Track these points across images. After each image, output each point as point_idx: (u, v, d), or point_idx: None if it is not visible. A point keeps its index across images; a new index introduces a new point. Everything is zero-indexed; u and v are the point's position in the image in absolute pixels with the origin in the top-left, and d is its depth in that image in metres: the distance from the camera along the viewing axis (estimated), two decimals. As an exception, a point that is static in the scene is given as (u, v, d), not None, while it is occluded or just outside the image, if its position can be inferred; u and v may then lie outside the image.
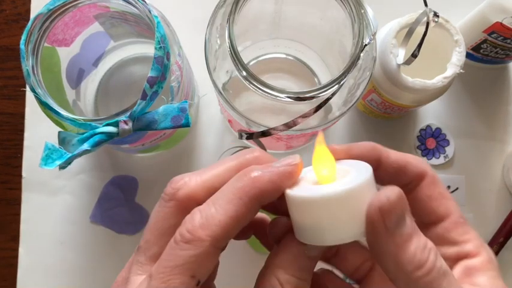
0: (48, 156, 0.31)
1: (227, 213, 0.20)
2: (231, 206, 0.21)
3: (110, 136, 0.31)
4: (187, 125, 0.32)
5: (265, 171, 0.21)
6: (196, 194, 0.22)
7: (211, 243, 0.20)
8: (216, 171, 0.23)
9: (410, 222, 0.20)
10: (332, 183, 0.21)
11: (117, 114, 0.32)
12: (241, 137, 0.32)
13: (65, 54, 0.37)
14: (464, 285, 0.21)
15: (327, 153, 0.22)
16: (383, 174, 0.23)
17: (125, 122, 0.31)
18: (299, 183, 0.22)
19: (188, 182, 0.22)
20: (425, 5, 0.35)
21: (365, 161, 0.23)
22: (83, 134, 0.31)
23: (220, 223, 0.20)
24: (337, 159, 0.23)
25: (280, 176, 0.21)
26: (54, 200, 0.46)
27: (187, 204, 0.22)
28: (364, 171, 0.21)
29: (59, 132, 0.32)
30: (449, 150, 0.47)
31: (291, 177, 0.22)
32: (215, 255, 0.21)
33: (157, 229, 0.22)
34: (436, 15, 0.36)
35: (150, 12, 0.32)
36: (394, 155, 0.24)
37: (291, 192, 0.21)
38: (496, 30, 0.40)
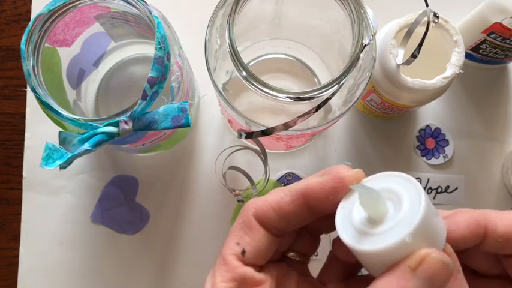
0: (48, 156, 0.31)
1: (274, 197, 0.23)
2: (280, 192, 0.23)
3: (110, 136, 0.31)
4: (187, 125, 0.32)
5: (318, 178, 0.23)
6: None
7: (253, 214, 0.23)
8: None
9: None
10: (384, 226, 0.20)
11: (118, 114, 0.32)
12: (240, 136, 0.32)
13: (66, 55, 0.37)
14: None
15: (372, 193, 0.21)
16: (486, 247, 0.22)
17: (126, 122, 0.31)
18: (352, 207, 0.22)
19: None
20: (427, 5, 0.35)
21: (467, 243, 0.21)
22: (83, 134, 0.31)
23: (265, 201, 0.23)
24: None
25: (325, 186, 0.23)
26: (54, 200, 0.46)
27: None
28: (416, 208, 0.20)
29: (60, 132, 0.32)
30: (449, 150, 0.47)
31: (336, 191, 0.23)
32: (260, 231, 0.23)
33: None
34: (435, 16, 0.36)
35: (150, 12, 0.33)
36: (502, 228, 0.21)
37: (347, 239, 0.21)
38: (495, 30, 0.40)
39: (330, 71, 0.43)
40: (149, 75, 0.31)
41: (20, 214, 0.46)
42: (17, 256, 0.46)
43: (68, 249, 0.46)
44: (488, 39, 0.42)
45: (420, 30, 0.36)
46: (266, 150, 0.40)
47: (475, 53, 0.45)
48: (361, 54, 0.30)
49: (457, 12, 0.44)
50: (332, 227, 0.23)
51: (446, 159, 0.47)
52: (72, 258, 0.46)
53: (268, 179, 0.41)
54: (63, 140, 0.32)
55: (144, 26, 0.36)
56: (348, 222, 0.21)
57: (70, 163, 0.31)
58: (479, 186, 0.47)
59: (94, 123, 0.31)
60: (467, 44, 0.44)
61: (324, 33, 0.39)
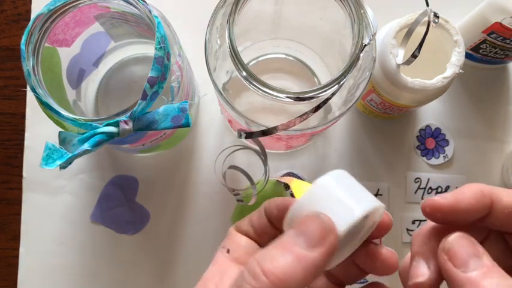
0: (48, 156, 0.31)
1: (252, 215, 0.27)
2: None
3: (110, 136, 0.31)
4: (187, 125, 0.32)
5: None
6: None
7: (234, 228, 0.27)
8: None
9: (486, 261, 0.20)
10: None
11: (118, 114, 0.32)
12: (240, 136, 0.32)
13: (66, 55, 0.37)
14: None
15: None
16: (493, 219, 0.22)
17: (126, 122, 0.31)
18: None
19: None
20: (427, 5, 0.35)
21: (475, 212, 0.22)
22: (83, 134, 0.31)
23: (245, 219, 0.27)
24: (444, 216, 0.22)
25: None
26: (54, 200, 0.46)
27: None
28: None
29: (60, 132, 0.32)
30: (449, 150, 0.47)
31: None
32: (237, 234, 0.27)
33: None
34: (436, 15, 0.36)
35: (150, 12, 0.33)
36: (506, 198, 0.22)
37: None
38: (495, 30, 0.40)
39: (330, 71, 0.43)
40: (149, 75, 0.31)
41: (20, 214, 0.46)
42: (16, 256, 0.46)
43: (67, 249, 0.46)
44: (488, 39, 0.42)
45: (420, 30, 0.36)
46: (266, 150, 0.40)
47: (475, 53, 0.45)
48: (361, 54, 0.30)
49: (457, 12, 0.44)
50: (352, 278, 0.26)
51: (446, 159, 0.47)
52: (72, 258, 0.46)
53: (268, 178, 0.41)
54: (63, 140, 0.32)
55: (144, 26, 0.36)
56: None
57: (70, 163, 0.31)
58: (479, 186, 0.47)
59: (94, 123, 0.31)
60: (467, 44, 0.44)
61: (324, 33, 0.39)
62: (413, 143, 0.48)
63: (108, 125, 0.31)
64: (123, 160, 0.47)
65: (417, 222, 0.46)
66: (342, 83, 0.30)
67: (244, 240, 0.26)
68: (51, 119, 0.33)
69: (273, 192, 0.46)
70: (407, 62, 0.36)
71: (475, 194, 0.22)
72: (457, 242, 0.21)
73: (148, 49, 0.44)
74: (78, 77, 0.41)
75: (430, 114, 0.48)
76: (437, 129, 0.48)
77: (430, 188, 0.47)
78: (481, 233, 0.24)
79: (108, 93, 0.45)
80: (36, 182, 0.46)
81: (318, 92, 0.30)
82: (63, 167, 0.31)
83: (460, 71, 0.37)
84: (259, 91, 0.30)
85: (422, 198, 0.47)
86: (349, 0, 0.30)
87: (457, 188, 0.49)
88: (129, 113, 0.31)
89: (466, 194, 0.22)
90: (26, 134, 0.47)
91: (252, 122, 0.33)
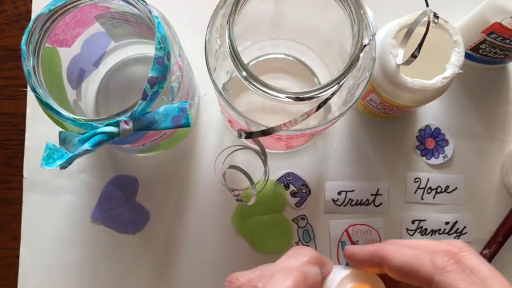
0: (49, 156, 0.31)
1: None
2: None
3: (110, 136, 0.31)
4: (187, 125, 0.32)
5: None
6: None
7: None
8: None
9: None
10: None
11: (118, 114, 0.32)
12: (240, 136, 0.32)
13: (66, 55, 0.37)
14: None
15: None
16: (391, 275, 0.25)
17: (126, 122, 0.31)
18: None
19: None
20: (427, 5, 0.35)
21: (369, 268, 0.26)
22: (83, 134, 0.31)
23: None
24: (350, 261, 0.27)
25: None
26: (54, 200, 0.46)
27: None
28: None
29: (60, 132, 0.32)
30: (449, 150, 0.47)
31: None
32: None
33: None
34: (435, 16, 0.36)
35: (150, 12, 0.33)
36: (397, 261, 0.24)
37: None
38: (495, 30, 0.40)
39: (330, 71, 0.43)
40: (149, 75, 0.31)
41: (20, 214, 0.46)
42: (17, 256, 0.46)
43: (68, 249, 0.46)
44: (488, 39, 0.42)
45: (420, 30, 0.36)
46: (266, 150, 0.40)
47: (475, 53, 0.45)
48: (361, 54, 0.30)
49: (457, 12, 0.44)
50: None
51: (446, 159, 0.47)
52: (72, 258, 0.46)
53: (268, 179, 0.41)
54: (63, 140, 0.32)
55: (144, 26, 0.36)
56: None
57: (70, 163, 0.31)
58: (479, 186, 0.47)
59: (94, 123, 0.31)
60: (467, 44, 0.44)
61: (324, 33, 0.39)
62: (413, 143, 0.48)
63: (108, 125, 0.31)
64: (123, 160, 0.47)
65: (417, 222, 0.46)
66: (341, 83, 0.30)
67: None
68: (51, 119, 0.33)
69: (273, 193, 0.46)
70: (407, 62, 0.36)
71: (368, 253, 0.26)
72: None
73: (148, 49, 0.44)
74: (78, 77, 0.41)
75: (430, 114, 0.48)
76: (437, 129, 0.48)
77: (430, 188, 0.47)
78: None
79: (109, 93, 0.45)
80: (36, 182, 0.46)
81: (318, 92, 0.30)
82: (63, 167, 0.31)
83: (460, 71, 0.38)
84: (259, 91, 0.30)
85: (422, 198, 0.47)
86: (349, 0, 0.30)
87: (457, 188, 0.49)
88: (129, 113, 0.31)
89: (363, 251, 0.26)
90: (26, 134, 0.47)
91: (252, 122, 0.33)
